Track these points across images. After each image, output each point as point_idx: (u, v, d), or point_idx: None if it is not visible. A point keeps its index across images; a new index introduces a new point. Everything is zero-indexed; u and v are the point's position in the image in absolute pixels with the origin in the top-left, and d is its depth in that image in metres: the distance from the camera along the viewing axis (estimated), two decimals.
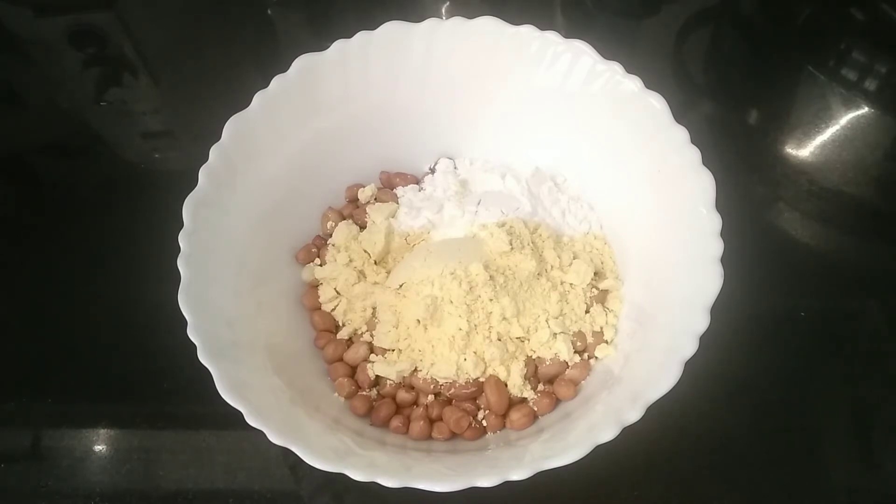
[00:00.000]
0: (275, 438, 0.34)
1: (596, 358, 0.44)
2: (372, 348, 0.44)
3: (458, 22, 0.46)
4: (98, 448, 0.46)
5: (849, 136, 0.57)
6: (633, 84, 0.43)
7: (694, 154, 0.41)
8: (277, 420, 0.35)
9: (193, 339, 0.36)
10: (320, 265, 0.48)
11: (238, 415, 0.34)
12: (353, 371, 0.44)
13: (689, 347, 0.35)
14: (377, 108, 0.48)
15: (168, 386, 0.47)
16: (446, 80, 0.48)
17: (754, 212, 0.55)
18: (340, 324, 0.46)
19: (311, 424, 0.38)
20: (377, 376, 0.43)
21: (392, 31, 0.46)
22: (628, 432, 0.34)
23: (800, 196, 0.56)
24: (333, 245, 0.48)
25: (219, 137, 0.42)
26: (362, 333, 0.45)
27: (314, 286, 0.47)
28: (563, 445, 0.35)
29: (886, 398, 0.47)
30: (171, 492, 0.44)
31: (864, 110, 0.57)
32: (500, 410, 0.42)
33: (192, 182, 0.41)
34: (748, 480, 0.44)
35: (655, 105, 0.43)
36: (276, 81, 0.44)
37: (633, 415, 0.34)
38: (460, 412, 0.42)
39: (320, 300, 0.46)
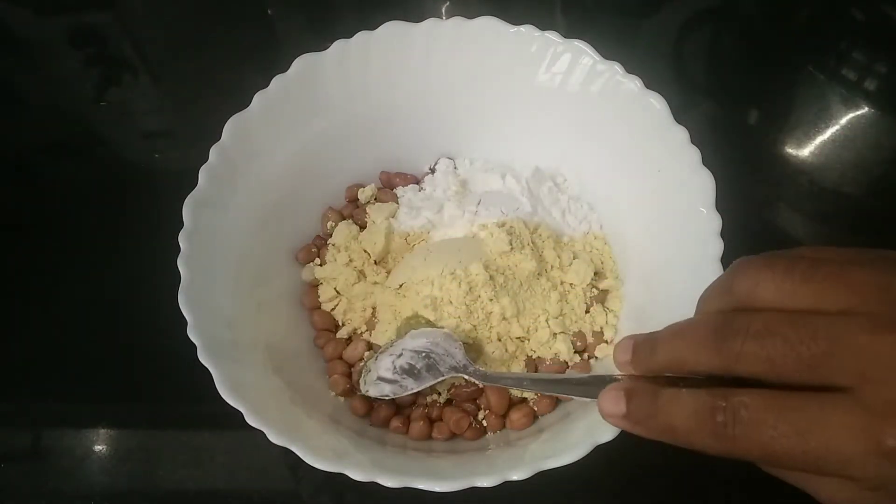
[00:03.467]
0: (275, 438, 0.34)
1: (596, 358, 0.44)
2: (370, 346, 0.44)
3: (458, 22, 0.46)
4: (98, 448, 0.46)
5: (849, 136, 0.56)
6: (633, 84, 0.43)
7: (694, 154, 0.41)
8: (277, 420, 0.35)
9: (193, 339, 0.36)
10: (320, 265, 0.48)
11: (238, 415, 0.34)
12: (350, 369, 0.44)
13: None
14: (377, 108, 0.48)
15: (168, 386, 0.47)
16: (446, 79, 0.48)
17: (754, 212, 0.55)
18: (340, 323, 0.46)
19: (310, 424, 0.38)
20: None
21: (392, 31, 0.46)
22: (628, 432, 0.34)
23: (800, 196, 0.56)
24: (333, 245, 0.48)
25: (219, 137, 0.42)
26: (362, 333, 0.45)
27: (314, 286, 0.47)
28: (563, 445, 0.35)
29: None
30: (171, 492, 0.44)
31: (864, 110, 0.57)
32: (500, 410, 0.42)
33: (192, 182, 0.41)
34: (748, 480, 0.44)
35: (655, 105, 0.43)
36: (276, 81, 0.44)
37: None
38: (460, 412, 0.42)
39: (320, 300, 0.46)
